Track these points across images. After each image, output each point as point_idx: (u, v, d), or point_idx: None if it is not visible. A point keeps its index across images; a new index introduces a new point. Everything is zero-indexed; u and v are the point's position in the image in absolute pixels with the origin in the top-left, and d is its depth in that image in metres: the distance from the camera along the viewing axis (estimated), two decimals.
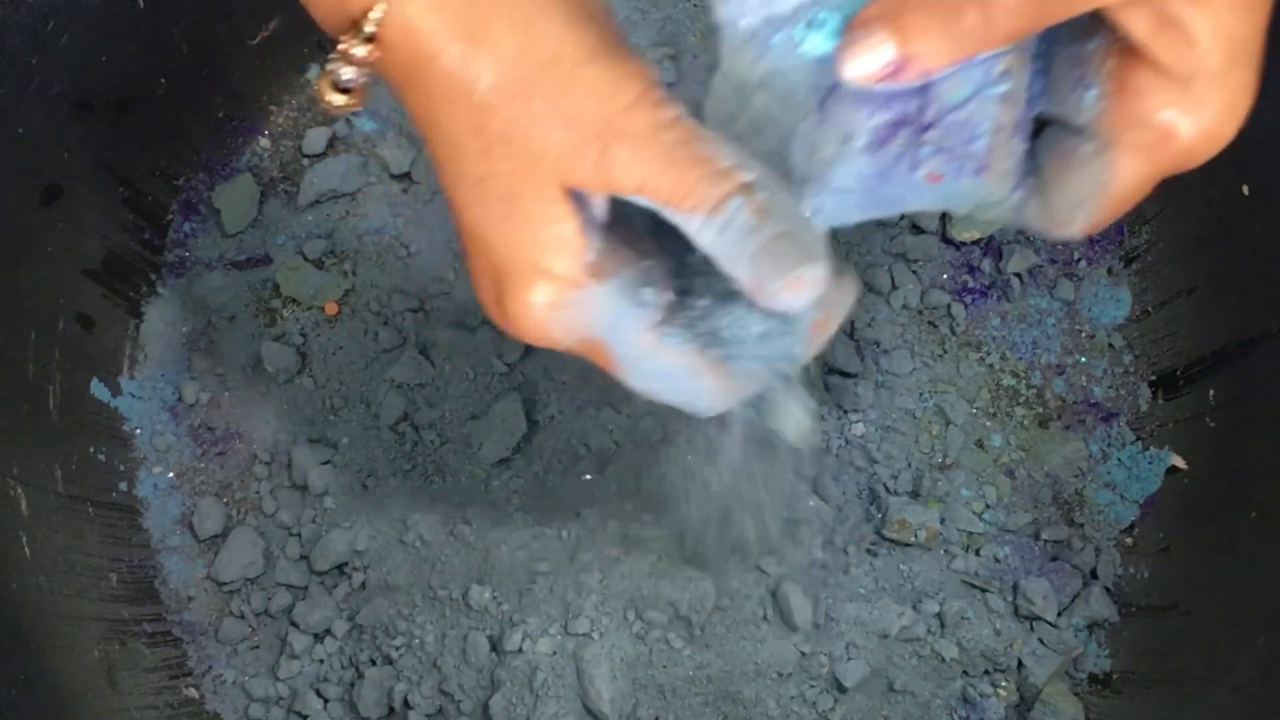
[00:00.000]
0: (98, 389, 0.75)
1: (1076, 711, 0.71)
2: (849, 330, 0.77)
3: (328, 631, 0.71)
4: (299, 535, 0.73)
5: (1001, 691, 0.71)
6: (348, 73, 0.44)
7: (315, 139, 0.81)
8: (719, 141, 0.43)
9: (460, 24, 0.41)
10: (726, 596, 0.69)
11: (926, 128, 0.44)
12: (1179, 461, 0.75)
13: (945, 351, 0.78)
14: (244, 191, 0.80)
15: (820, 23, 0.43)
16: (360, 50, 0.43)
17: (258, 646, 0.72)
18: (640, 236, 0.46)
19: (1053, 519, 0.75)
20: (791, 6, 0.43)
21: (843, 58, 0.42)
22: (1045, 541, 0.75)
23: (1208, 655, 0.69)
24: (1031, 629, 0.72)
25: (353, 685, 0.70)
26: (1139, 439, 0.77)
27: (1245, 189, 0.71)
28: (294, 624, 0.71)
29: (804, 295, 0.43)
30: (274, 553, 0.73)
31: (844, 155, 0.44)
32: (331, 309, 0.78)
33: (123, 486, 0.74)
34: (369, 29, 0.42)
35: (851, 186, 0.45)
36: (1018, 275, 0.79)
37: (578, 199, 0.43)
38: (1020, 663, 0.71)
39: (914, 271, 0.79)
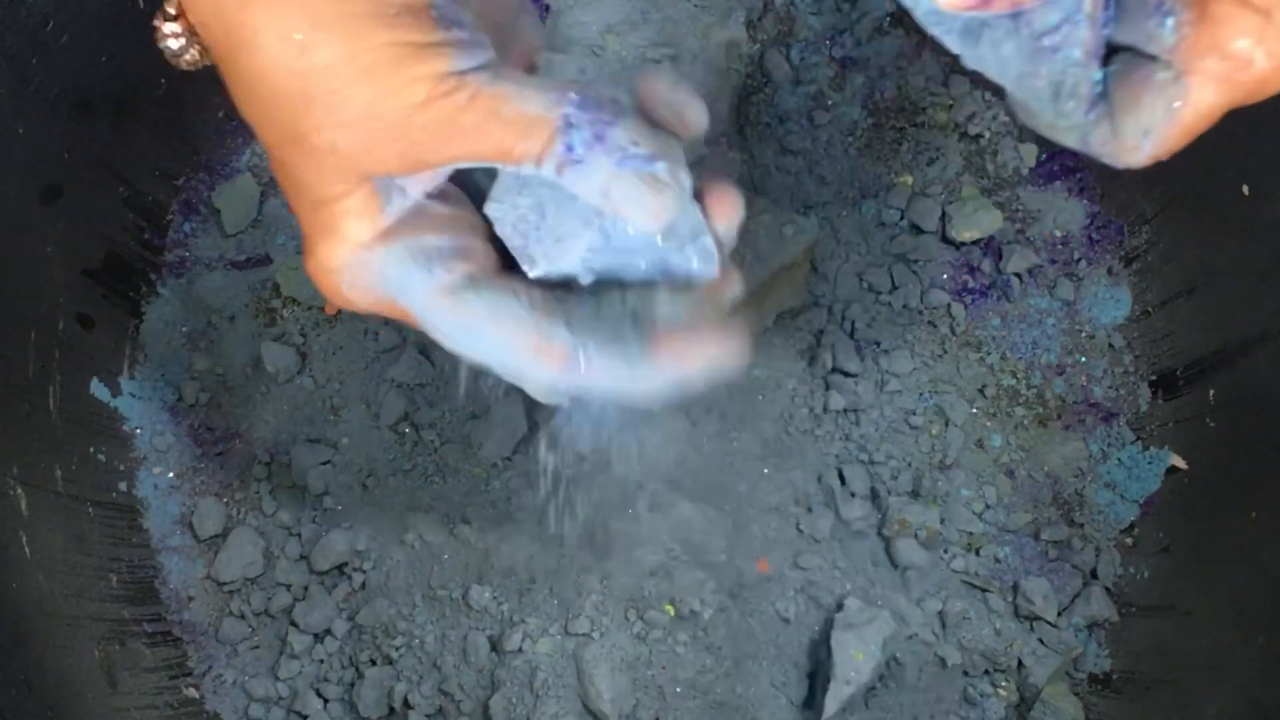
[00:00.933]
0: (98, 389, 0.75)
1: (1076, 711, 0.71)
2: (849, 330, 0.78)
3: (328, 631, 0.71)
4: (299, 535, 0.73)
5: (1001, 691, 0.71)
6: (171, 44, 0.46)
7: None
8: (528, 84, 0.43)
9: (229, 29, 0.42)
10: (728, 596, 0.69)
11: None
12: (1179, 461, 0.75)
13: (945, 351, 0.78)
14: (244, 191, 0.80)
15: None
16: (169, 25, 0.45)
17: (258, 646, 0.72)
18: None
19: (1053, 519, 0.75)
20: None
21: None
22: (1045, 541, 0.75)
23: (1208, 655, 0.69)
24: (1031, 629, 0.72)
25: (353, 685, 0.70)
26: (1139, 439, 0.77)
27: (1245, 189, 0.71)
28: (294, 624, 0.71)
29: (659, 224, 0.44)
30: (274, 553, 0.73)
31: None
32: (331, 309, 0.78)
33: (123, 486, 0.74)
34: (171, 9, 0.45)
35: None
36: (1018, 275, 0.79)
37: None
38: (1020, 663, 0.71)
39: (914, 271, 0.79)
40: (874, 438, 0.75)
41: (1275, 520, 0.69)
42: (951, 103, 0.82)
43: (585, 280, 0.46)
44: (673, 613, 0.68)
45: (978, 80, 0.83)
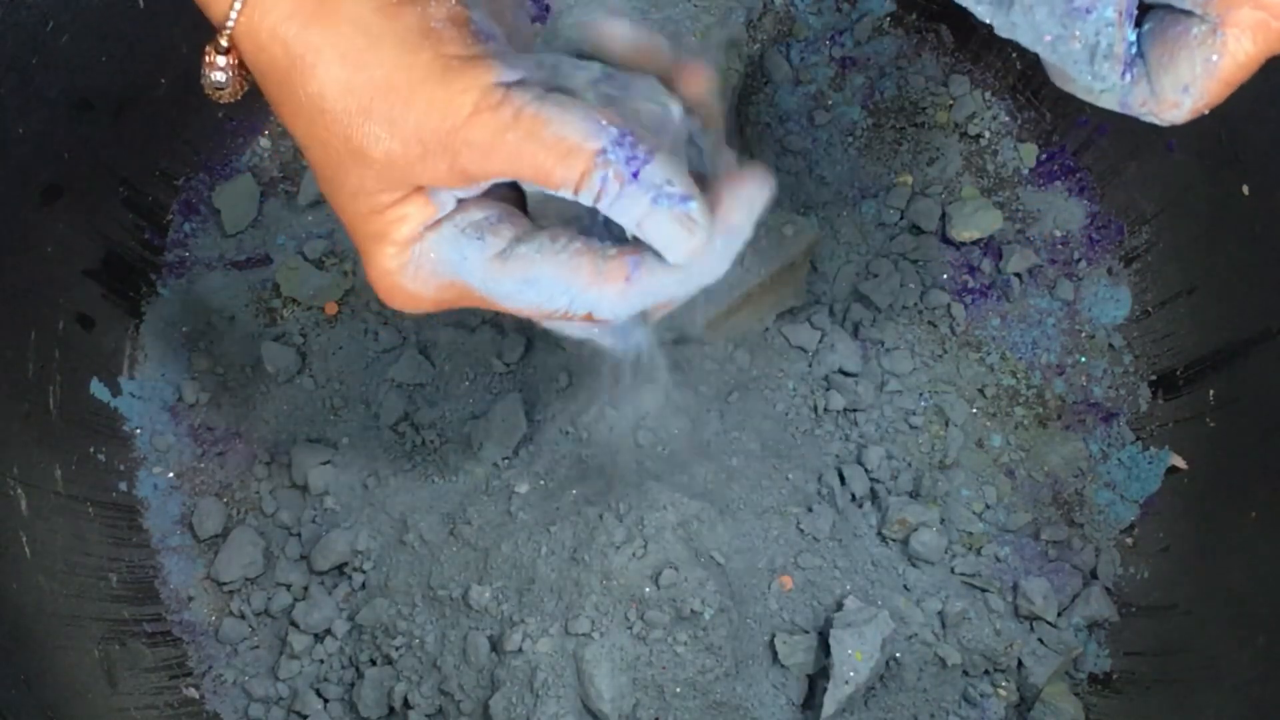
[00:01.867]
0: (98, 389, 0.75)
1: (1076, 711, 0.71)
2: (851, 330, 0.78)
3: (328, 631, 0.71)
4: (299, 535, 0.73)
5: (1001, 691, 0.71)
6: (218, 76, 0.47)
7: None
8: (571, 109, 0.44)
9: (290, 51, 0.44)
10: (728, 597, 0.68)
11: None
12: (1179, 461, 0.75)
13: (945, 351, 0.78)
14: (244, 191, 0.80)
15: None
16: (220, 59, 0.47)
17: (258, 646, 0.72)
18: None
19: (1053, 519, 0.75)
20: None
21: None
22: (1045, 541, 0.75)
23: (1208, 655, 0.69)
24: (1031, 629, 0.72)
25: (353, 685, 0.70)
26: (1139, 439, 0.77)
27: (1245, 189, 0.71)
28: (294, 624, 0.71)
29: (690, 259, 0.46)
30: (274, 553, 0.73)
31: None
32: (331, 309, 0.78)
33: (123, 486, 0.74)
34: (224, 41, 0.46)
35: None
36: (1018, 275, 0.79)
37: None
38: (1020, 663, 0.71)
39: (914, 271, 0.79)
40: (873, 437, 0.75)
41: (1275, 520, 0.69)
42: (951, 103, 0.83)
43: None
44: (673, 612, 0.68)
45: (978, 80, 0.83)
